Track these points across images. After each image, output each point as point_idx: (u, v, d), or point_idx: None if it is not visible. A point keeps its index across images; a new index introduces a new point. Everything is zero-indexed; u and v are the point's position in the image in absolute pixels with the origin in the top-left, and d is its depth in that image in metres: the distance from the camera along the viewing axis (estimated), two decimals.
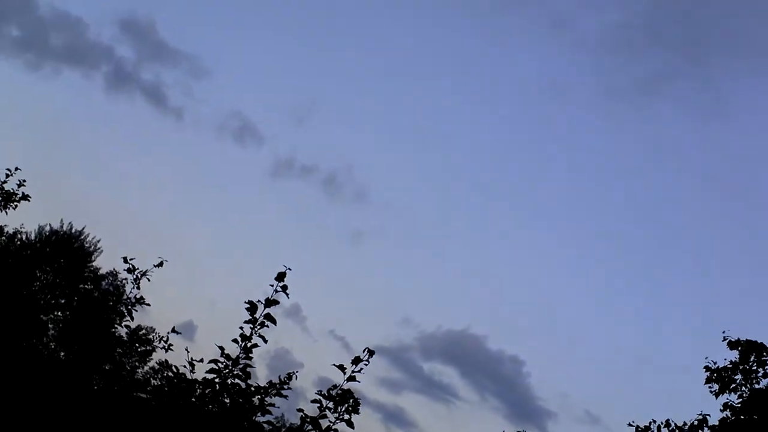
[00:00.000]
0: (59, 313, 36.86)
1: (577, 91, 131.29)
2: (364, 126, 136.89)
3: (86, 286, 38.92)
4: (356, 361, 7.45)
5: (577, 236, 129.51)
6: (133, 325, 11.34)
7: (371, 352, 7.49)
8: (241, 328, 7.63)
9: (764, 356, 18.86)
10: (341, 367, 7.48)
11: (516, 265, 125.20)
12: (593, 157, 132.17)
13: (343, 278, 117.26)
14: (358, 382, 7.46)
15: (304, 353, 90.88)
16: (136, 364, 36.08)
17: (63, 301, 37.82)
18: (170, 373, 8.10)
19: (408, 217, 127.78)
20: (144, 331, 38.58)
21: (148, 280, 9.94)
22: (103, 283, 38.71)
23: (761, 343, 19.08)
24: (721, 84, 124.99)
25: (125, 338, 17.98)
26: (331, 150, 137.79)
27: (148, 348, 36.81)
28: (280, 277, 7.68)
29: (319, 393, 7.43)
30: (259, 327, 7.62)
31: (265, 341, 7.64)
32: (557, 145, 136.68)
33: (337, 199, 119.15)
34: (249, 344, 7.61)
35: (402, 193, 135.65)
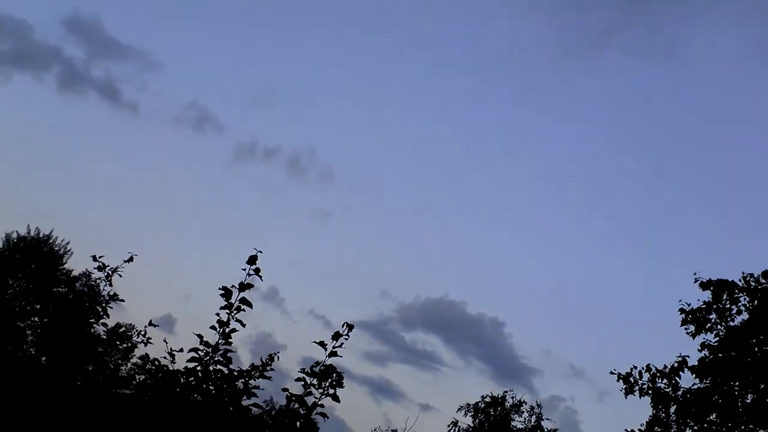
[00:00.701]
0: (36, 319, 36.56)
1: (532, 51, 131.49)
2: (325, 106, 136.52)
3: (60, 289, 38.60)
4: (336, 336, 7.52)
5: (548, 191, 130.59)
6: (111, 323, 11.31)
7: (350, 327, 7.56)
8: (218, 314, 7.65)
9: (736, 294, 19.20)
10: (322, 344, 7.54)
11: (487, 227, 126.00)
12: (554, 110, 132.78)
13: (316, 258, 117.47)
14: (340, 357, 7.53)
15: (286, 335, 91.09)
16: (119, 361, 35.91)
17: (38, 306, 37.49)
18: (151, 366, 8.11)
19: (374, 193, 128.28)
20: (123, 328, 38.41)
21: (120, 275, 9.91)
22: (77, 284, 38.38)
23: (732, 281, 19.41)
24: (671, 27, 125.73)
25: (104, 337, 17.90)
26: (293, 132, 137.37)
27: (128, 345, 36.63)
28: (252, 260, 7.70)
29: (302, 371, 7.49)
30: (235, 312, 7.65)
31: (243, 325, 7.68)
32: (520, 106, 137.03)
33: (303, 181, 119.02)
34: (227, 329, 7.64)
35: (366, 170, 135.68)
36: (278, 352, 8.00)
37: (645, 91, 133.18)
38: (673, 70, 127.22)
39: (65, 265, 41.15)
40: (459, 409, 31.49)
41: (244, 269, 7.69)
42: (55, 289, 38.59)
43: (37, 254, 40.09)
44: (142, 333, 10.39)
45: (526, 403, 32.13)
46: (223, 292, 7.61)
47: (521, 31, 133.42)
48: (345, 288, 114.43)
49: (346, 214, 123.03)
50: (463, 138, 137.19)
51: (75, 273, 40.20)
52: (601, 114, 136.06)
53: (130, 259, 9.88)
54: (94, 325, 13.81)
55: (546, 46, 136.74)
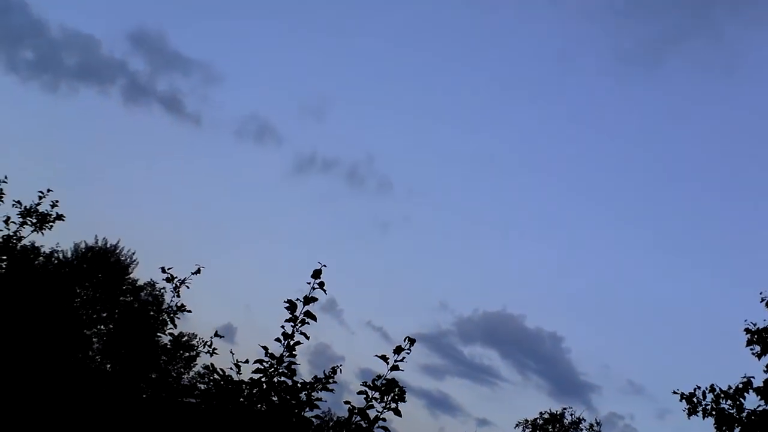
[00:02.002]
0: (102, 327, 37.30)
1: (586, 58, 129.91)
2: (381, 116, 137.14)
3: (126, 298, 39.38)
4: (398, 350, 7.56)
5: (605, 206, 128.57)
6: (175, 332, 11.53)
7: (412, 341, 7.59)
8: (283, 326, 7.76)
9: None
10: (384, 358, 7.59)
11: (546, 240, 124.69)
12: (608, 122, 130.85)
13: (374, 269, 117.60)
14: (402, 370, 7.57)
15: (344, 346, 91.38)
16: (182, 370, 36.48)
17: (105, 315, 38.26)
18: (217, 376, 8.25)
19: (432, 204, 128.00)
20: (186, 337, 38.97)
21: (188, 287, 10.10)
22: (142, 293, 39.11)
23: None
24: (731, 39, 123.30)
25: (169, 346, 18.23)
26: (350, 143, 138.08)
27: (192, 353, 37.16)
28: (316, 274, 7.80)
29: (365, 384, 7.55)
30: (300, 324, 7.75)
31: (307, 338, 7.78)
32: (574, 115, 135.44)
33: (361, 191, 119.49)
34: (292, 342, 7.74)
35: (425, 181, 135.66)
36: (341, 365, 8.08)
37: (704, 102, 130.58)
38: (733, 82, 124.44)
39: (131, 275, 41.99)
40: (517, 425, 31.05)
41: (309, 282, 7.79)
42: (121, 298, 39.38)
43: (104, 264, 40.96)
44: (208, 344, 10.58)
45: (585, 421, 31.53)
46: (288, 305, 7.72)
47: (575, 38, 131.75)
48: (403, 299, 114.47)
49: (405, 224, 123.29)
50: (520, 149, 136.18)
51: (140, 282, 41.02)
52: (659, 123, 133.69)
53: (198, 271, 10.07)
54: (159, 335, 14.06)
55: (601, 54, 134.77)
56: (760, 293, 19.19)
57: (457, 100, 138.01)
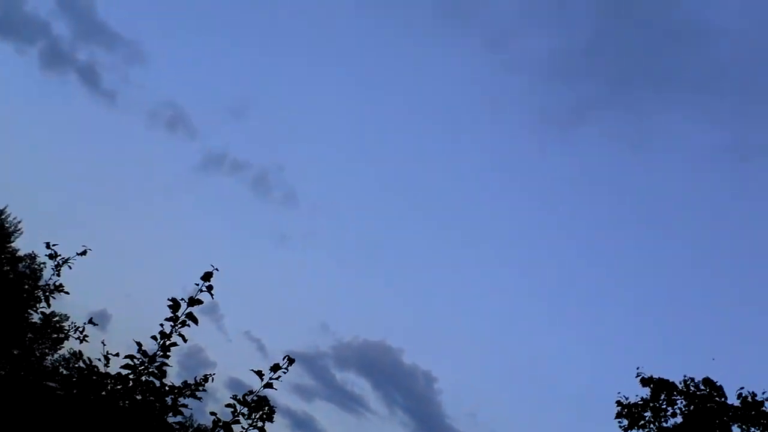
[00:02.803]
0: None
1: (511, 110, 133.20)
2: (300, 128, 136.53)
3: (3, 268, 37.80)
4: (275, 368, 7.37)
5: (498, 258, 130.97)
6: (47, 311, 11.01)
7: (291, 360, 7.42)
8: (162, 325, 7.47)
9: (674, 396, 19.31)
10: (259, 373, 7.39)
11: (438, 283, 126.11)
12: (522, 176, 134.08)
13: (265, 279, 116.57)
14: (275, 389, 7.39)
15: (219, 352, 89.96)
16: (46, 351, 35.15)
17: None
18: (83, 365, 7.89)
19: (335, 226, 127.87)
20: (57, 318, 37.61)
21: (70, 267, 9.66)
22: (20, 265, 37.61)
23: (672, 382, 19.54)
24: (645, 116, 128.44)
25: (38, 324, 17.49)
26: (265, 148, 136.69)
27: (60, 336, 35.84)
28: (206, 276, 7.56)
29: (234, 397, 7.33)
30: (180, 326, 7.48)
31: (185, 340, 7.51)
32: (489, 163, 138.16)
33: (267, 199, 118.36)
34: (168, 342, 7.46)
35: (331, 201, 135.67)
36: (213, 374, 7.84)
37: (613, 172, 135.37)
38: (641, 155, 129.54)
39: (12, 244, 40.36)
40: None
41: (197, 284, 7.54)
42: None
43: None
44: (80, 329, 10.13)
45: None
46: (171, 303, 7.44)
47: (506, 88, 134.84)
48: (286, 314, 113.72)
49: (304, 241, 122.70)
50: (428, 186, 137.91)
51: (20, 253, 39.44)
52: (567, 187, 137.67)
53: (84, 253, 9.63)
54: (31, 311, 13.44)
55: (527, 110, 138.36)
56: (637, 368, 19.75)
57: (378, 129, 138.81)
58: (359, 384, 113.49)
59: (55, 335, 36.09)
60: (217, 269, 7.54)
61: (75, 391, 7.79)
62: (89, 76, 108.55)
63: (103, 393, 7.47)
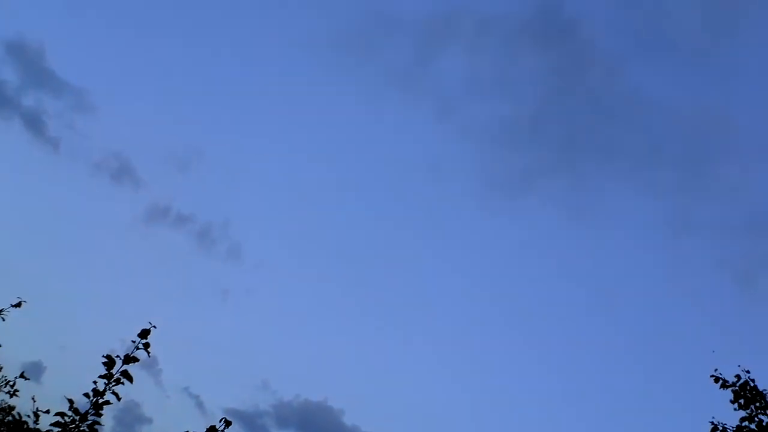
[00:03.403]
0: None
1: (457, 176, 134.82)
2: (246, 182, 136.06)
3: None
4: (211, 430, 7.27)
5: (443, 322, 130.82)
6: None
7: (228, 423, 7.33)
8: (95, 382, 7.33)
9: None
10: None
11: (381, 343, 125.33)
12: (467, 242, 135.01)
13: (205, 334, 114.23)
14: None
15: (155, 408, 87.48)
16: None
17: None
18: (11, 419, 7.71)
19: (279, 281, 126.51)
20: None
21: (2, 319, 9.47)
22: None
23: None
24: (591, 185, 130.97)
25: None
26: (210, 202, 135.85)
27: None
28: (144, 333, 7.46)
29: None
30: (114, 384, 7.34)
31: (119, 399, 7.36)
32: (433, 228, 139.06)
33: (210, 253, 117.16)
34: (101, 400, 7.31)
35: (276, 256, 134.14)
36: None
37: (556, 239, 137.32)
38: (586, 226, 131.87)
39: None
40: None
41: (134, 341, 7.44)
42: None
43: None
44: (11, 384, 9.89)
45: None
46: (106, 360, 7.32)
47: (449, 153, 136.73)
48: (226, 371, 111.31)
49: (245, 296, 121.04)
50: (374, 246, 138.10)
51: None
52: (513, 256, 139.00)
53: (19, 305, 9.46)
54: None
55: (472, 174, 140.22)
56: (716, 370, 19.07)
57: (325, 188, 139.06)
58: None
59: None
60: (155, 326, 7.46)
61: None
62: (34, 123, 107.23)
63: None
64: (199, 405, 77.39)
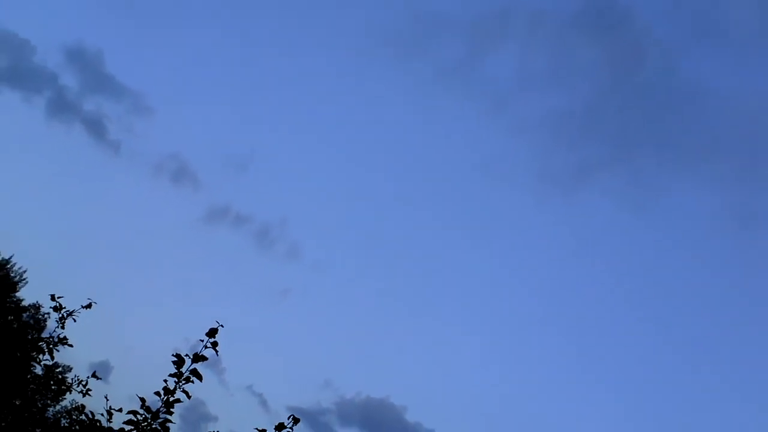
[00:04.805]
0: None
1: (511, 172, 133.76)
2: (304, 183, 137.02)
3: (8, 318, 37.72)
4: (280, 427, 7.31)
5: (504, 323, 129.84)
6: (50, 362, 10.97)
7: (296, 420, 7.36)
8: (165, 380, 7.43)
9: None
10: None
11: (443, 340, 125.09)
12: (520, 239, 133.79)
13: (267, 334, 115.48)
14: None
15: (220, 406, 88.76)
16: (48, 402, 34.88)
17: None
18: (85, 418, 7.86)
19: (338, 280, 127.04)
20: (60, 369, 37.40)
21: (74, 320, 9.65)
22: (25, 315, 37.54)
23: None
24: (649, 178, 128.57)
25: (41, 375, 17.41)
26: (268, 202, 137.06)
27: (62, 387, 35.56)
28: (212, 333, 7.53)
29: None
30: (184, 382, 7.43)
31: (189, 397, 7.46)
32: (487, 225, 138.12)
33: (269, 253, 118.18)
34: (171, 398, 7.41)
35: (334, 256, 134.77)
36: None
37: (613, 234, 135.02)
38: (643, 219, 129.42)
39: (17, 293, 40.34)
40: None
41: (202, 340, 7.51)
42: (7, 317, 37.72)
43: None
44: (83, 383, 10.08)
45: None
46: (176, 359, 7.41)
47: (502, 150, 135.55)
48: (289, 370, 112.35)
49: (305, 294, 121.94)
50: (433, 242, 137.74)
51: (25, 303, 39.41)
52: (566, 248, 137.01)
53: (89, 306, 9.63)
54: (34, 363, 13.40)
55: (525, 170, 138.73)
56: None
57: (380, 186, 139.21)
58: None
59: (57, 387, 35.87)
60: (222, 325, 7.53)
61: None
62: (95, 127, 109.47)
63: None
64: (263, 403, 78.23)
